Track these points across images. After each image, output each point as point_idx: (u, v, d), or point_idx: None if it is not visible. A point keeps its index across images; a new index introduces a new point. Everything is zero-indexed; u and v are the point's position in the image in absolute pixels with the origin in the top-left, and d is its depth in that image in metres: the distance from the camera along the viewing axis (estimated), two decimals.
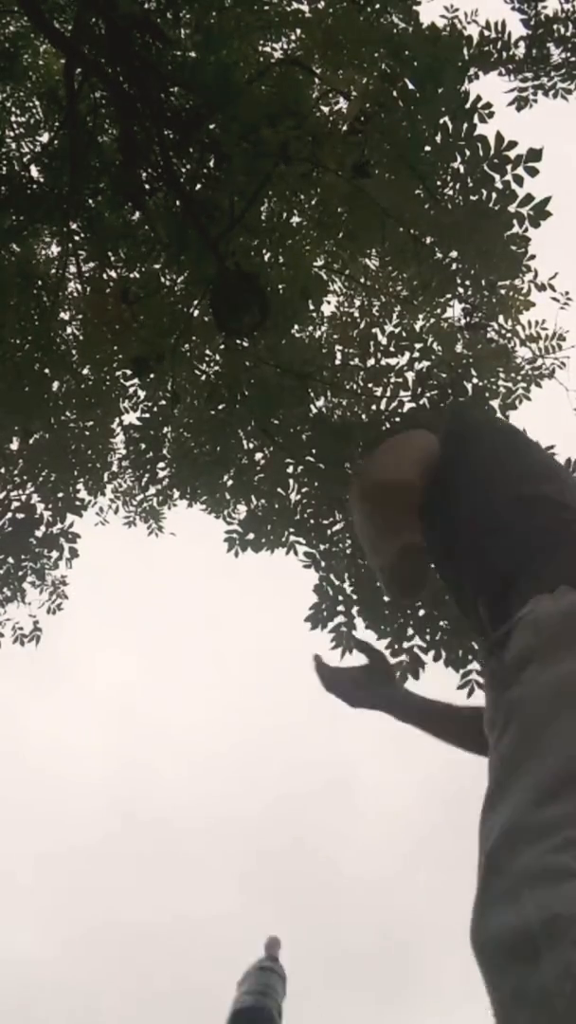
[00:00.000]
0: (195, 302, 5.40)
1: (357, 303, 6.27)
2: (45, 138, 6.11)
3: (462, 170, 4.09)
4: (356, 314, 6.14)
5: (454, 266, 4.70)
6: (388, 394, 4.83)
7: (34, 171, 5.79)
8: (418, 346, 4.87)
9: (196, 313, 5.43)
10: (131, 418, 5.80)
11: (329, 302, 6.08)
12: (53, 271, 6.23)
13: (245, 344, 5.24)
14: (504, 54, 5.41)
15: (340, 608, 4.65)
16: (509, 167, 3.94)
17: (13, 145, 6.12)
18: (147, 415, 5.51)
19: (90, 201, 5.52)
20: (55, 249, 6.41)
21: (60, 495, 5.65)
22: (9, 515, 5.55)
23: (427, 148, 4.14)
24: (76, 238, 5.93)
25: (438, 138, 4.06)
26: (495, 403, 4.82)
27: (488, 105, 4.10)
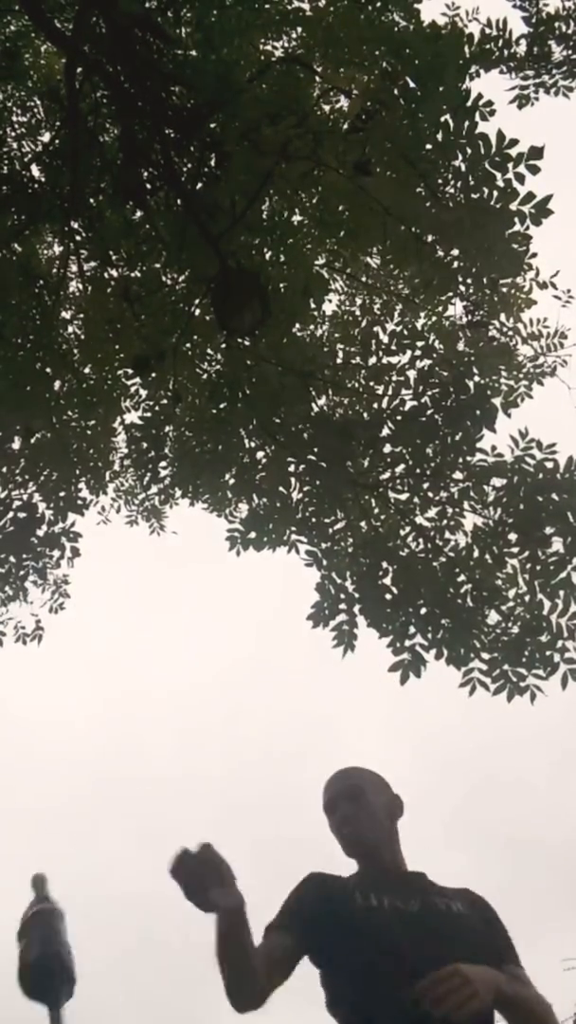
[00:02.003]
0: (196, 301, 5.40)
1: (358, 301, 6.27)
2: (46, 137, 6.11)
3: (463, 168, 4.10)
4: (357, 312, 6.14)
5: (455, 264, 4.70)
6: (390, 392, 4.83)
7: (35, 170, 5.80)
8: (420, 344, 4.86)
9: (197, 312, 5.43)
10: (133, 417, 5.81)
11: (330, 300, 6.09)
12: (54, 270, 6.23)
13: (246, 343, 5.24)
14: (505, 52, 5.40)
15: (342, 606, 4.65)
16: (510, 165, 3.94)
17: (14, 145, 6.11)
18: (149, 414, 5.51)
19: (91, 200, 5.53)
20: (56, 248, 6.41)
21: (62, 494, 5.65)
22: (11, 514, 5.55)
23: (428, 146, 4.14)
24: (77, 237, 5.93)
25: (439, 136, 4.07)
26: (497, 401, 4.81)
27: (489, 103, 4.10)
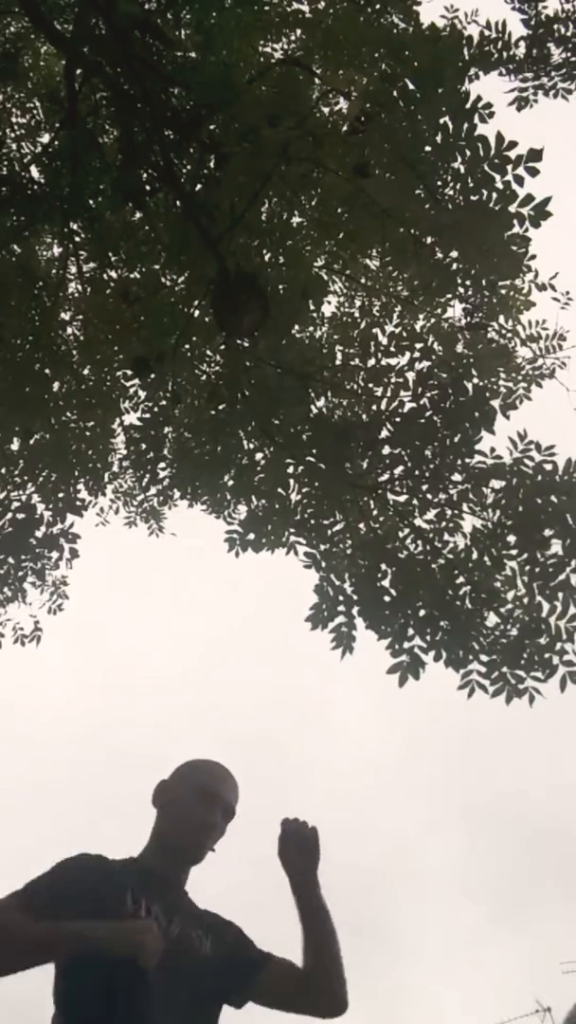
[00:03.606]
0: (196, 302, 5.40)
1: (357, 303, 6.27)
2: (46, 139, 6.12)
3: (462, 170, 4.09)
4: (356, 314, 6.14)
5: (454, 266, 4.70)
6: (389, 394, 4.83)
7: (35, 172, 5.79)
8: (419, 346, 4.87)
9: (197, 313, 5.43)
10: (132, 418, 5.81)
11: (329, 302, 6.09)
12: (54, 271, 6.23)
13: (246, 344, 5.24)
14: (504, 54, 5.40)
15: (340, 608, 4.64)
16: (509, 167, 3.94)
17: (14, 146, 6.12)
18: (148, 415, 5.51)
19: (91, 201, 5.52)
20: (56, 249, 6.41)
21: (60, 495, 5.65)
22: (9, 515, 5.55)
23: (427, 148, 4.14)
24: (77, 238, 5.93)
25: (438, 138, 4.07)
26: (496, 403, 4.81)
27: (488, 105, 4.09)
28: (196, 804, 1.96)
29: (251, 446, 5.22)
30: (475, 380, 4.66)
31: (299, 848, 2.04)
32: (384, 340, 4.99)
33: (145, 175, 5.00)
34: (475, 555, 4.62)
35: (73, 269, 6.22)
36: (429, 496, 4.81)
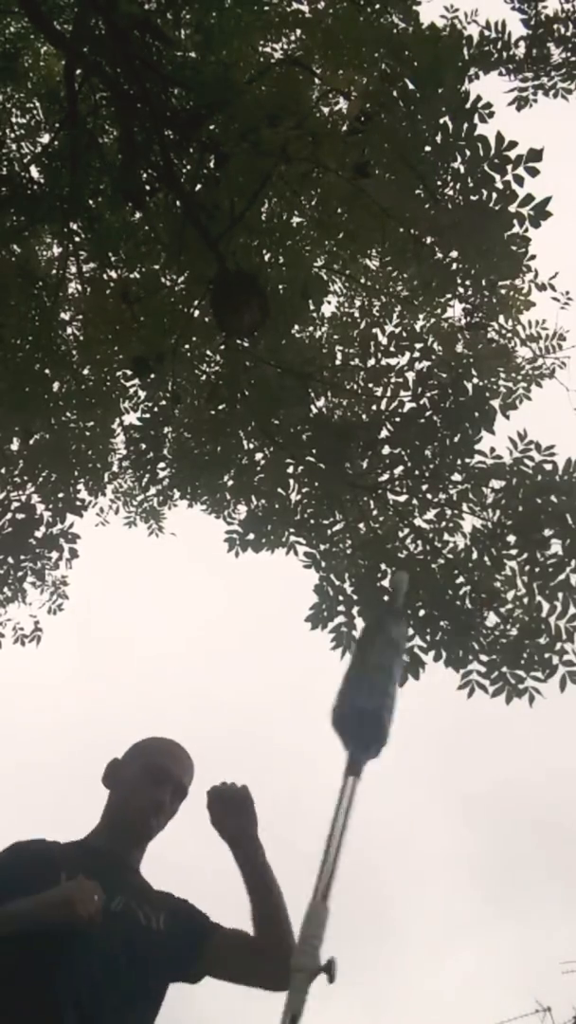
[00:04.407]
0: (195, 302, 5.40)
1: (357, 303, 6.26)
2: (45, 139, 6.11)
3: (462, 170, 4.10)
4: (356, 314, 6.14)
5: (454, 266, 4.70)
6: (388, 394, 4.84)
7: (34, 172, 5.80)
8: (418, 346, 4.87)
9: (196, 313, 5.43)
10: (131, 418, 5.81)
11: (329, 302, 6.08)
12: (54, 271, 6.23)
13: (245, 344, 5.24)
14: (504, 54, 5.39)
15: (340, 608, 4.64)
16: (509, 167, 3.94)
17: (13, 146, 6.12)
18: (147, 415, 5.51)
19: (90, 201, 5.52)
20: (56, 249, 6.41)
21: (60, 495, 5.65)
22: (9, 515, 5.55)
23: (427, 148, 4.14)
24: (76, 238, 5.93)
25: (438, 138, 4.07)
26: (495, 403, 4.81)
27: (488, 105, 4.09)
28: (145, 782, 1.92)
29: (251, 446, 5.22)
30: (475, 380, 4.66)
31: (230, 810, 1.94)
32: (384, 340, 5.00)
33: (145, 175, 5.01)
34: (475, 555, 4.62)
35: (73, 269, 6.22)
36: (429, 496, 4.81)
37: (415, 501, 4.87)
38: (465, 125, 3.97)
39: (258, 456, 5.22)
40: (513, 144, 3.92)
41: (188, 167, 5.09)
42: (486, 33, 5.29)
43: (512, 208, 4.05)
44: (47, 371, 5.74)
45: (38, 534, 5.56)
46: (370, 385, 5.03)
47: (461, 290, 5.12)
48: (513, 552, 4.53)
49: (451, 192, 4.24)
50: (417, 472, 4.74)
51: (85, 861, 1.79)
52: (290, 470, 5.03)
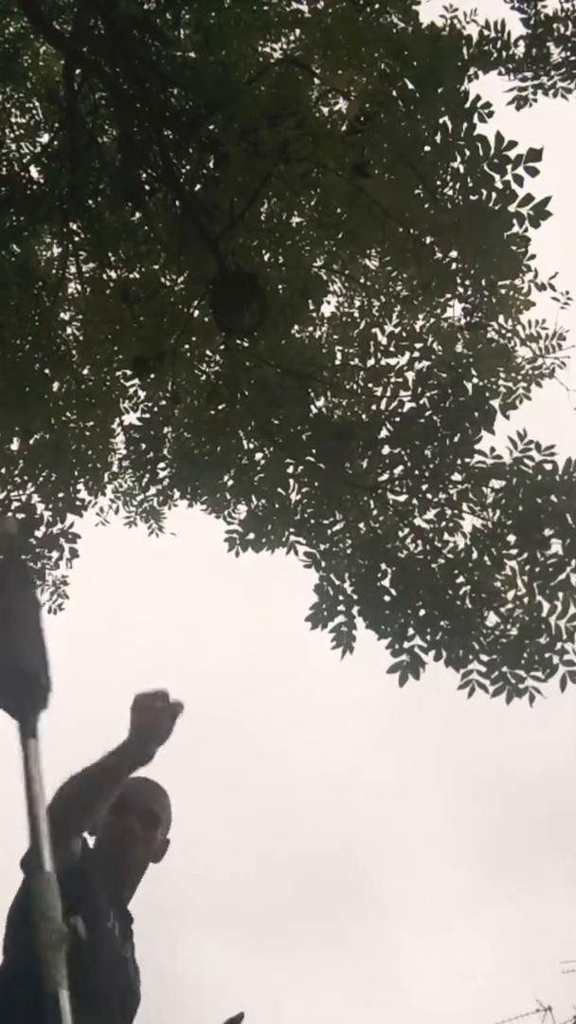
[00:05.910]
0: (195, 302, 5.40)
1: (357, 303, 6.26)
2: (45, 139, 6.11)
3: (462, 170, 4.10)
4: (356, 314, 6.14)
5: (454, 266, 4.70)
6: (388, 394, 4.84)
7: (34, 172, 5.79)
8: (418, 346, 4.87)
9: (196, 313, 5.43)
10: (131, 418, 5.81)
11: (329, 302, 6.08)
12: (53, 271, 6.22)
13: (245, 344, 5.25)
14: (504, 53, 5.39)
15: (340, 608, 4.65)
16: (509, 167, 3.94)
17: (13, 146, 6.12)
18: (147, 415, 5.51)
19: (90, 201, 5.52)
20: (55, 249, 6.40)
21: (60, 495, 5.65)
22: (9, 515, 5.55)
23: (427, 148, 4.14)
24: (76, 238, 5.93)
25: (438, 138, 4.07)
26: (495, 403, 4.81)
27: (488, 105, 4.10)
28: (111, 815, 2.03)
29: (251, 446, 5.22)
30: (475, 380, 4.66)
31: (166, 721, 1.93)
32: (384, 340, 5.00)
33: (144, 175, 5.01)
34: (475, 555, 4.62)
35: (73, 269, 6.21)
36: (429, 496, 4.81)
37: (415, 501, 4.87)
38: (465, 125, 3.97)
39: (258, 456, 5.22)
40: (513, 144, 3.93)
41: (187, 167, 5.08)
42: (485, 32, 5.29)
43: (512, 208, 4.05)
44: (47, 371, 5.74)
45: (38, 534, 5.56)
46: (370, 385, 5.03)
47: (461, 290, 5.12)
48: (513, 552, 4.53)
49: (451, 192, 4.25)
50: (417, 472, 4.74)
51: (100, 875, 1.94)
52: (290, 470, 5.03)
